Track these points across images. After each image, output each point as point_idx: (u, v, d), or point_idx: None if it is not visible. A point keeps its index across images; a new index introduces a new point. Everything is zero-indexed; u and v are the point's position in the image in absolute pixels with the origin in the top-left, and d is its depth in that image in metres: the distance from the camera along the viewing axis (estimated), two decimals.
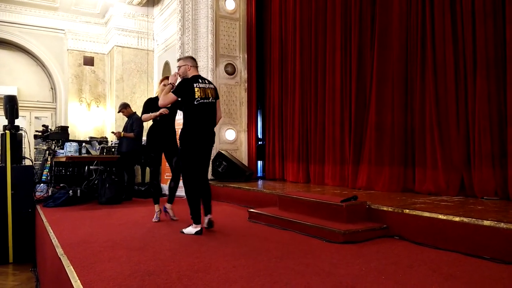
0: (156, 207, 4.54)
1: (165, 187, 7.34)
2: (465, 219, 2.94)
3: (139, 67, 9.73)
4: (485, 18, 4.23)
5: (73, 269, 2.50)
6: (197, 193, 3.75)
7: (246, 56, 7.73)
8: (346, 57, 5.86)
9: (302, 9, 6.74)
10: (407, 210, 3.43)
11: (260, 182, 6.99)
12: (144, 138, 7.92)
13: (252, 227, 4.13)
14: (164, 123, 4.42)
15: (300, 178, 6.66)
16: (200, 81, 3.75)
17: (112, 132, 7.04)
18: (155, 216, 4.49)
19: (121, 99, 8.48)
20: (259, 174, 8.05)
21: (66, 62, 10.17)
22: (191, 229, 3.68)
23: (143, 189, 7.18)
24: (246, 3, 7.75)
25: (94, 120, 10.31)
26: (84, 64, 10.20)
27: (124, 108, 6.96)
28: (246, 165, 7.50)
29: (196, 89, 3.66)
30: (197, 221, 3.70)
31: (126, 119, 7.04)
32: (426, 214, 3.26)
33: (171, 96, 3.69)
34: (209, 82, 3.87)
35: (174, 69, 8.47)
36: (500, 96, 4.17)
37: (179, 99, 3.72)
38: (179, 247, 3.21)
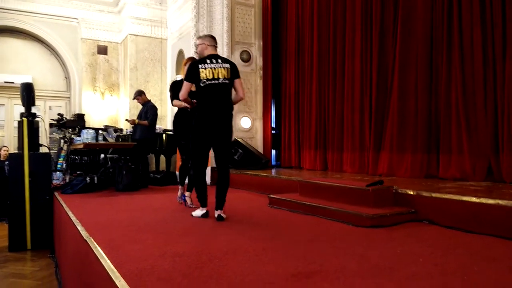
0: (187, 194, 4.46)
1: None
2: (501, 202, 2.84)
3: (152, 55, 9.67)
4: None
5: (101, 250, 2.46)
6: (202, 176, 3.68)
7: (261, 43, 7.62)
8: (366, 41, 5.72)
9: None
10: (437, 194, 3.33)
11: (276, 170, 6.92)
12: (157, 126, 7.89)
13: (273, 213, 4.07)
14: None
15: (317, 165, 6.56)
16: (209, 61, 3.53)
17: (126, 120, 7.00)
18: (179, 195, 4.57)
19: (135, 88, 8.43)
20: (273, 162, 7.98)
21: (80, 51, 10.14)
22: (198, 212, 3.71)
23: (159, 176, 7.16)
24: None
25: (108, 109, 10.29)
26: (97, 53, 10.16)
27: (139, 95, 6.91)
28: (262, 153, 7.43)
29: (201, 70, 3.48)
30: (202, 203, 3.69)
31: (141, 107, 6.99)
32: (458, 197, 3.15)
33: (185, 85, 3.54)
34: (225, 61, 3.61)
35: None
36: None
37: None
38: (204, 231, 3.16)
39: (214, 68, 3.51)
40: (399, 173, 5.08)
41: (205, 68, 3.49)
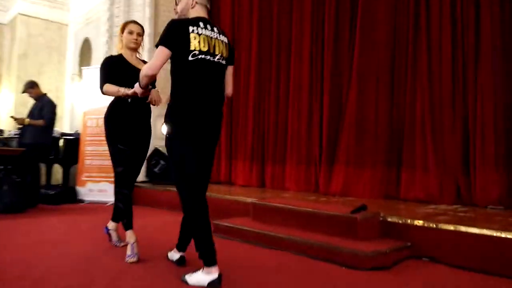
0: (111, 225, 3.06)
1: (82, 190, 5.88)
2: None
3: (49, 42, 7.94)
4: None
5: None
6: (203, 210, 2.16)
7: None
8: (317, 42, 5.02)
9: None
10: (442, 225, 2.70)
11: None
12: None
13: (225, 246, 3.06)
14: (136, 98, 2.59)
15: (253, 181, 5.66)
16: (202, 25, 2.21)
17: (13, 118, 5.37)
18: (115, 238, 3.06)
19: (23, 80, 6.60)
20: None
21: None
22: (201, 277, 2.12)
23: (52, 193, 5.63)
24: None
25: None
26: None
27: (31, 87, 5.37)
28: None
29: (192, 36, 2.14)
30: (209, 261, 2.11)
31: (32, 103, 5.44)
32: (474, 230, 2.54)
33: (162, 52, 2.11)
34: (220, 32, 2.31)
35: (95, 47, 6.98)
36: (509, 88, 3.69)
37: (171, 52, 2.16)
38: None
39: (210, 37, 2.22)
40: (356, 193, 4.44)
41: (198, 34, 2.17)
